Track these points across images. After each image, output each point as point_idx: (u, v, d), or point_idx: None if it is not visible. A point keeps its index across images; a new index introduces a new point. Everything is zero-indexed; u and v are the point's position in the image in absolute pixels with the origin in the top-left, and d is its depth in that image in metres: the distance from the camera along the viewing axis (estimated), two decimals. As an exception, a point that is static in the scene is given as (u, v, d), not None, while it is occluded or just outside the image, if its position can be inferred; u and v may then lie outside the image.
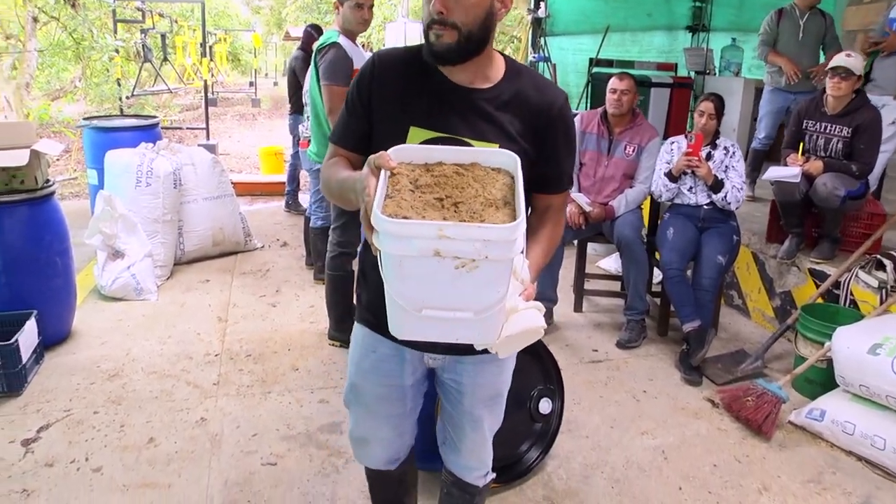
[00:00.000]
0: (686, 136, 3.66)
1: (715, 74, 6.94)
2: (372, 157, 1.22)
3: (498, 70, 1.47)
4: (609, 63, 6.78)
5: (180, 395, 3.09)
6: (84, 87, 10.64)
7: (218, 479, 2.51)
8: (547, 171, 1.50)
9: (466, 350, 1.33)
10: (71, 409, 2.94)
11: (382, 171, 1.21)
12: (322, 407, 3.02)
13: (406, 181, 1.23)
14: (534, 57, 7.59)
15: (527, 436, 2.57)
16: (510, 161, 1.28)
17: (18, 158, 3.14)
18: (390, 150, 1.26)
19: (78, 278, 4.48)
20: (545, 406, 2.55)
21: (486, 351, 1.29)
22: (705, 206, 3.61)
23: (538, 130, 1.46)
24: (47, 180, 3.43)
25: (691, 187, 3.63)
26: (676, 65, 7.08)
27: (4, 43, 9.50)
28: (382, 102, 1.48)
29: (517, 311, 1.25)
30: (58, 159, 7.90)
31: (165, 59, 10.30)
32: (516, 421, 2.50)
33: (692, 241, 3.58)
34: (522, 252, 1.18)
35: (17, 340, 3.02)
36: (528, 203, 1.50)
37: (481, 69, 1.44)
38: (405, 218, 1.13)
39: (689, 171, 3.57)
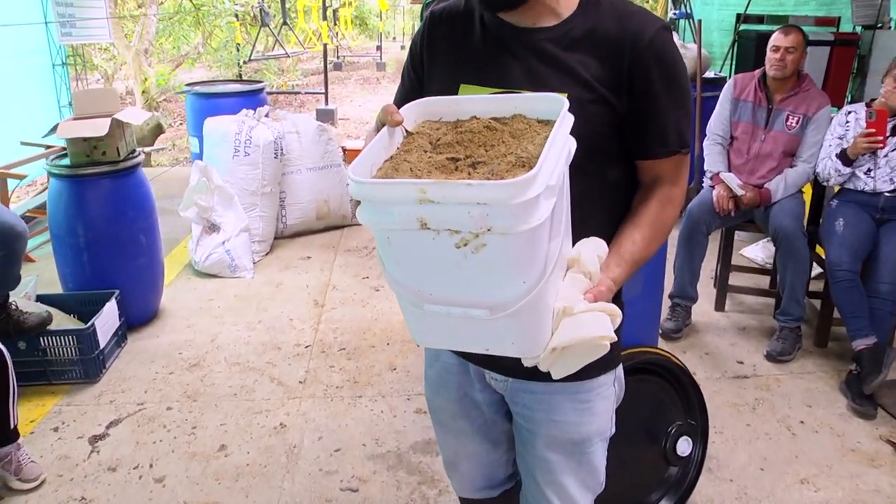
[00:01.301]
0: (867, 108, 2.95)
1: (891, 27, 5.93)
2: (382, 109, 1.03)
3: (570, 3, 1.16)
4: (759, 19, 5.95)
5: (261, 393, 2.80)
6: (204, 54, 10.75)
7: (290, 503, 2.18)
8: (645, 128, 1.15)
9: (532, 373, 1.04)
10: (144, 403, 2.71)
11: (383, 129, 1.00)
12: (418, 419, 2.63)
13: (425, 141, 0.99)
14: (674, 13, 6.81)
15: (658, 482, 2.08)
16: (558, 105, 0.96)
17: (98, 128, 2.90)
18: (408, 105, 1.05)
19: (174, 252, 4.36)
20: (684, 446, 2.04)
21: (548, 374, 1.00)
22: (887, 194, 2.91)
23: (625, 72, 1.11)
24: (133, 151, 3.20)
25: (870, 170, 2.93)
26: (839, 19, 6.11)
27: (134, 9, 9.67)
28: (433, 63, 1.26)
29: (572, 315, 0.94)
30: (171, 125, 7.95)
31: (284, 23, 10.17)
32: (646, 462, 2.03)
33: (868, 236, 2.90)
34: (566, 225, 0.97)
35: (93, 325, 2.81)
36: (629, 172, 1.21)
37: (547, 4, 1.15)
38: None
39: (867, 152, 2.87)
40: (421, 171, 0.88)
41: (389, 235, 0.87)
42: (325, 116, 9.38)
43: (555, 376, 0.98)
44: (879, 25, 5.91)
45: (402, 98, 1.30)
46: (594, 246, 1.02)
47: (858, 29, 6.06)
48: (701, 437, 2.11)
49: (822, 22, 6.11)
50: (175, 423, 2.59)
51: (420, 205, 0.79)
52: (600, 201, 1.15)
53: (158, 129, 7.27)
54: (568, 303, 0.94)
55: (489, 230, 0.79)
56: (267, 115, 4.53)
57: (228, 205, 4.08)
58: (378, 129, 1.01)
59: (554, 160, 0.81)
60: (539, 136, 0.94)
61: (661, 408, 2.03)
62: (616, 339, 0.95)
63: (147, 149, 6.38)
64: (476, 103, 1.03)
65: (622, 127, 1.13)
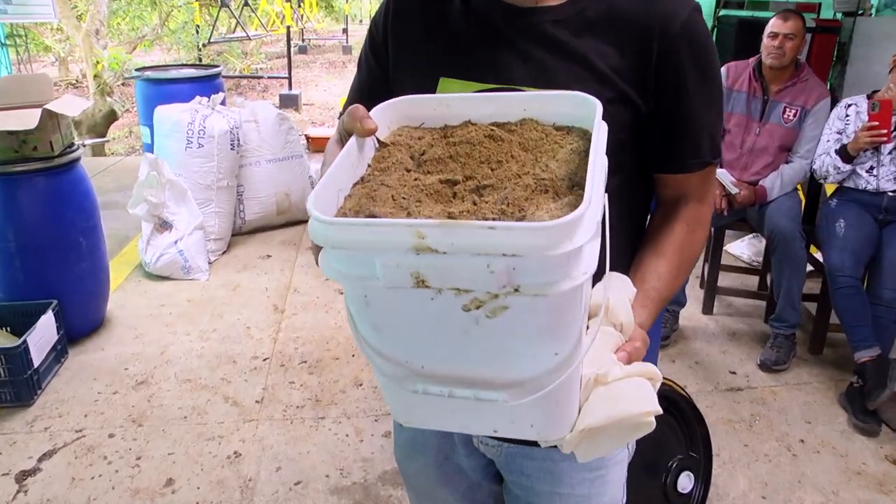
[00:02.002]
0: (869, 101, 2.75)
1: (871, 15, 5.79)
2: (347, 113, 0.77)
3: None
4: (739, 4, 5.77)
5: (214, 415, 2.54)
6: (163, 35, 10.30)
7: (242, 551, 1.93)
8: (674, 134, 0.93)
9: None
10: (84, 430, 2.43)
11: (352, 140, 0.74)
12: (386, 444, 2.39)
13: (404, 155, 0.76)
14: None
15: (656, 523, 1.87)
16: (586, 108, 0.74)
17: (27, 120, 2.58)
18: (380, 107, 0.80)
19: (125, 251, 4.05)
20: (685, 482, 1.84)
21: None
22: (891, 194, 2.73)
23: (652, 64, 0.89)
24: (70, 145, 2.89)
25: (872, 168, 2.74)
26: (820, 5, 5.96)
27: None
28: (400, 49, 1.01)
29: (607, 383, 0.73)
30: (128, 110, 7.55)
31: (246, 4, 9.77)
32: (644, 500, 1.81)
33: (870, 238, 2.72)
34: (604, 274, 0.75)
35: (25, 342, 2.51)
36: (645, 189, 1.01)
37: None
38: (369, 216, 0.63)
39: (869, 148, 2.68)
40: (407, 199, 0.65)
41: (367, 293, 0.64)
42: (289, 102, 9.05)
43: (581, 459, 0.77)
44: (860, 12, 5.77)
45: (361, 92, 1.07)
46: (621, 286, 0.81)
47: (839, 16, 5.92)
48: (703, 472, 1.90)
49: (802, 8, 5.92)
50: (117, 453, 2.32)
51: (417, 255, 0.56)
52: (619, 226, 0.92)
53: (112, 116, 6.89)
54: (600, 368, 0.73)
55: (516, 290, 0.56)
56: (223, 103, 4.21)
57: (181, 200, 3.78)
58: (342, 141, 0.75)
59: (600, 190, 0.59)
60: (562, 150, 0.71)
61: (661, 441, 1.82)
62: (661, 411, 0.72)
63: (88, 142, 6.00)
64: (470, 104, 0.80)
65: (645, 132, 0.91)
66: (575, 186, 0.65)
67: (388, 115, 0.79)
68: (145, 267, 3.72)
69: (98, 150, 6.60)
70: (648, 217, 1.04)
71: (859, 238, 2.70)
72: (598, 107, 0.71)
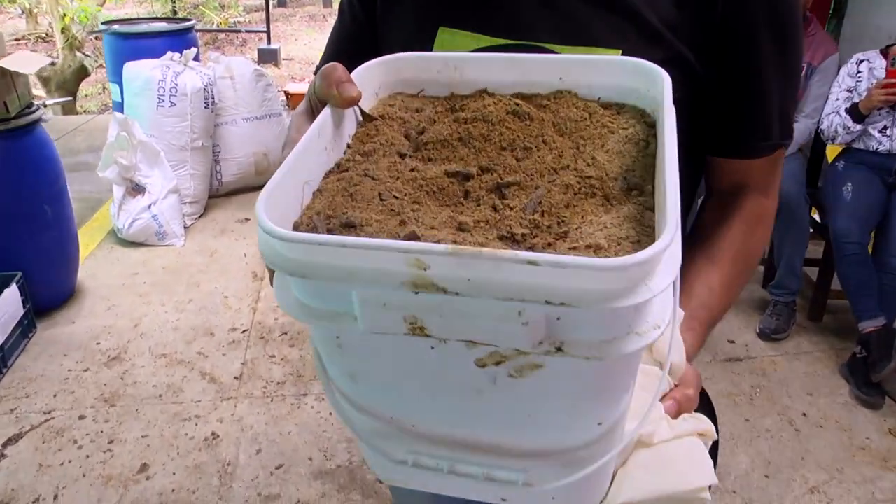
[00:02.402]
0: (886, 56, 2.60)
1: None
2: (320, 74, 0.58)
3: None
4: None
5: (191, 393, 2.41)
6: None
7: (221, 543, 1.82)
8: (740, 109, 0.77)
9: None
10: (53, 411, 2.30)
11: (325, 112, 0.55)
12: (369, 422, 2.28)
13: (396, 133, 0.58)
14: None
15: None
16: (647, 81, 0.58)
17: (-23, 80, 2.38)
18: (365, 67, 0.62)
19: (98, 216, 3.88)
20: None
21: None
22: (901, 156, 2.60)
23: (717, 20, 0.72)
24: (28, 105, 2.69)
25: (886, 128, 2.61)
26: (818, -46, 5.75)
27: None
28: None
29: (651, 446, 0.57)
30: (101, 66, 7.23)
31: (220, -50, 9.36)
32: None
33: (878, 203, 2.60)
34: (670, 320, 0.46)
35: (-15, 318, 2.36)
36: (693, 173, 0.84)
37: None
38: (346, 227, 0.46)
39: (884, 106, 2.54)
40: (400, 198, 0.49)
41: (341, 335, 0.48)
42: (268, 56, 8.75)
43: None
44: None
45: (342, 46, 0.90)
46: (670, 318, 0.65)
47: (837, -36, 5.71)
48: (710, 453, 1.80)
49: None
50: (88, 436, 2.20)
51: (414, 293, 0.40)
52: None
53: (83, 72, 6.59)
54: (642, 423, 0.55)
55: (558, 349, 0.41)
56: (196, 59, 3.99)
57: (154, 162, 3.59)
58: (313, 112, 0.58)
59: (676, 203, 0.42)
60: (613, 137, 0.55)
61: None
62: (717, 482, 0.59)
63: (50, 102, 5.73)
64: (487, 66, 0.62)
65: (701, 104, 0.75)
66: (633, 190, 0.50)
67: (377, 77, 0.62)
68: (118, 233, 3.55)
69: (69, 109, 6.33)
70: (696, 209, 0.88)
71: (867, 203, 2.58)
72: (666, 83, 0.53)
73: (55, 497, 1.95)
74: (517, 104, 0.57)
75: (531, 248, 0.45)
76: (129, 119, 3.50)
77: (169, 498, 1.96)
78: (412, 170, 0.52)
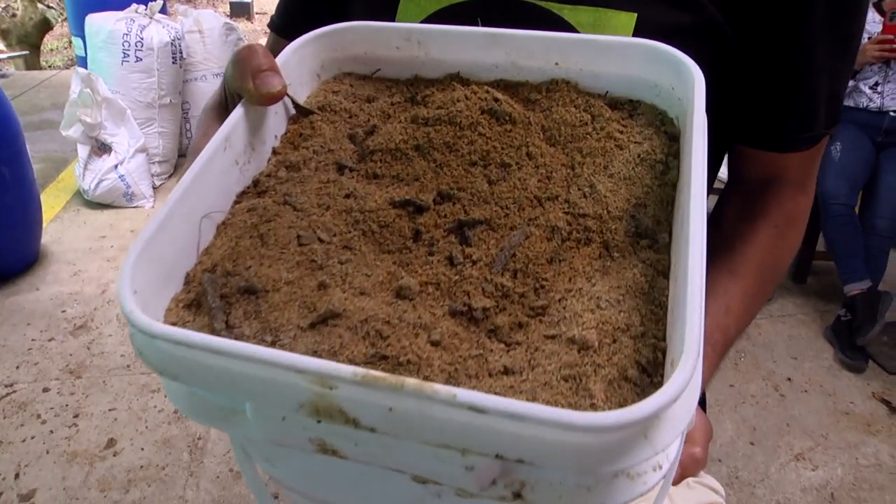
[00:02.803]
0: (881, 9, 2.51)
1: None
2: (233, 59, 0.46)
3: None
4: None
5: (161, 362, 2.32)
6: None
7: (192, 521, 1.76)
8: (774, 90, 0.63)
9: None
10: (15, 384, 2.21)
11: (237, 111, 0.44)
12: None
13: (338, 133, 0.47)
14: None
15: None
16: (676, 75, 0.44)
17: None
18: (300, 42, 0.49)
19: (63, 176, 3.73)
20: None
21: None
22: (892, 114, 2.53)
23: None
24: (-20, 62, 2.52)
25: (877, 84, 2.53)
26: None
27: None
28: None
29: None
30: (63, 21, 6.94)
31: None
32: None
33: (866, 163, 2.54)
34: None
35: (-59, 288, 2.25)
36: (714, 160, 0.71)
37: None
38: (246, 294, 0.37)
39: (877, 62, 2.46)
40: (327, 242, 0.39)
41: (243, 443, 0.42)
42: (241, 10, 8.47)
43: None
44: None
45: (295, 5, 0.76)
46: None
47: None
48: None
49: None
50: (53, 410, 2.11)
51: (316, 421, 0.32)
52: None
53: (45, 25, 6.31)
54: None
55: (516, 494, 0.32)
56: (163, 11, 3.80)
57: (120, 121, 3.44)
58: (227, 108, 0.47)
59: (700, 299, 0.32)
60: (621, 154, 0.44)
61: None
62: None
63: (3, 56, 5.49)
64: (460, 43, 0.50)
65: (731, 81, 0.62)
66: (643, 238, 0.39)
67: (319, 53, 0.50)
68: (84, 194, 3.42)
69: (33, 63, 6.09)
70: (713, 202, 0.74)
71: (856, 162, 2.52)
72: (698, 82, 0.41)
73: (16, 476, 1.87)
74: (496, 100, 0.46)
75: (493, 333, 0.36)
76: (93, 75, 3.33)
77: (137, 474, 1.89)
78: (348, 195, 0.41)
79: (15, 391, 2.18)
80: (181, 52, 3.70)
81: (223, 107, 0.48)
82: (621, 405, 0.30)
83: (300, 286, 0.37)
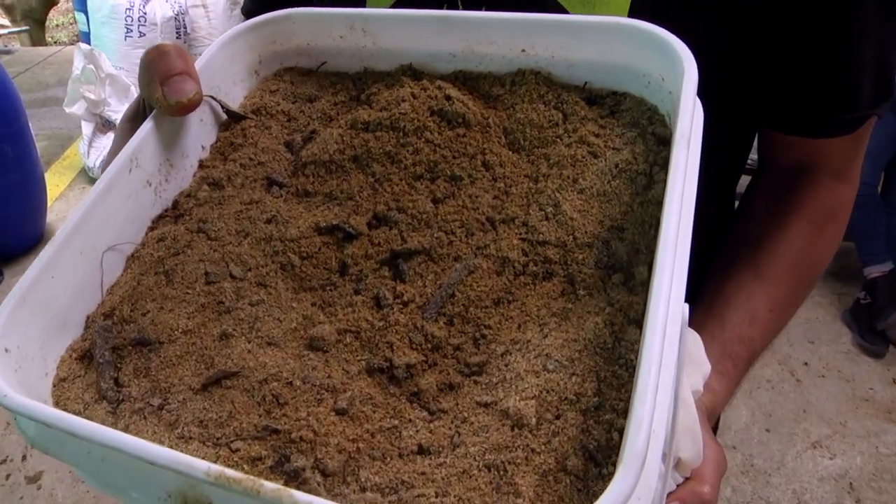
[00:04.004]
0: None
1: None
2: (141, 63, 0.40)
3: None
4: None
5: (166, 344, 2.30)
6: None
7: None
8: (811, 67, 0.54)
9: None
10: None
11: (147, 124, 0.39)
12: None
13: (272, 141, 0.40)
14: None
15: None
16: (666, 61, 0.35)
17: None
18: (234, 32, 0.43)
19: (68, 153, 3.70)
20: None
21: None
22: (916, 89, 2.44)
23: None
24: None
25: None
26: None
27: None
28: None
29: None
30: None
31: None
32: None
33: (890, 140, 2.46)
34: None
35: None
36: (741, 147, 0.62)
37: None
38: (139, 346, 0.34)
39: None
40: (241, 277, 0.35)
41: None
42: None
43: None
44: None
45: None
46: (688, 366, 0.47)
47: None
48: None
49: None
50: (57, 392, 2.09)
51: None
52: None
53: (50, 1, 6.24)
54: None
55: None
56: (166, -15, 3.73)
57: (124, 97, 3.39)
58: (144, 116, 0.41)
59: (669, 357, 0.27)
60: (596, 164, 0.37)
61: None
62: None
63: (3, 31, 5.43)
64: (410, 29, 0.43)
65: (757, 58, 0.54)
66: (615, 272, 0.33)
67: (257, 45, 0.44)
68: (89, 172, 3.39)
69: (38, 39, 6.02)
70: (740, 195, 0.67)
71: (879, 140, 2.43)
72: (688, 63, 0.34)
73: (23, 458, 1.86)
74: (447, 99, 0.39)
75: (416, 397, 0.31)
76: (96, 51, 3.29)
77: (143, 458, 1.87)
78: (269, 220, 0.36)
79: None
80: (185, 27, 3.63)
81: (140, 118, 0.42)
82: None
83: (200, 335, 0.33)
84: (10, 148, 2.57)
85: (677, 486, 0.44)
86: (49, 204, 2.95)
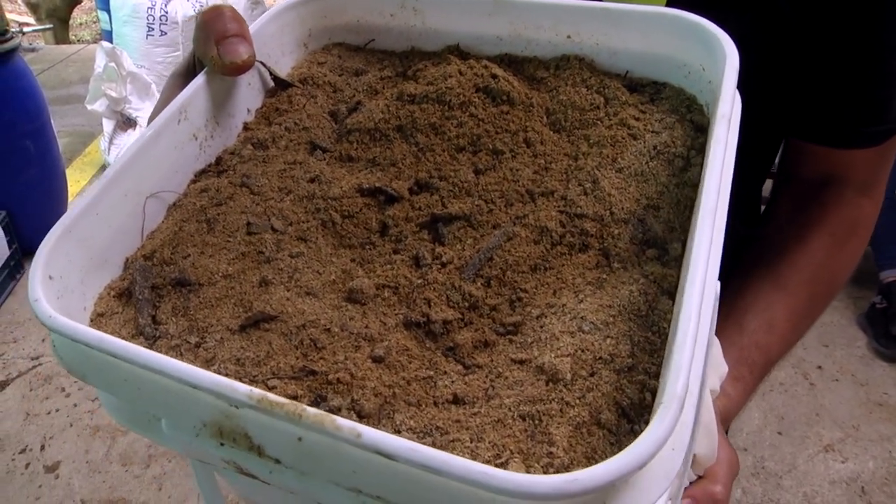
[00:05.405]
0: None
1: None
2: (197, 22, 0.41)
3: None
4: None
5: (183, 339, 2.33)
6: None
7: (212, 498, 1.76)
8: (840, 75, 0.54)
9: None
10: (41, 357, 2.23)
11: (198, 79, 0.39)
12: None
13: (317, 109, 0.41)
14: None
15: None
16: (707, 52, 0.36)
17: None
18: (282, 6, 0.44)
19: (89, 150, 3.74)
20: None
21: None
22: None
23: None
24: (4, 32, 2.52)
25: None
26: None
27: None
28: None
29: None
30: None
31: None
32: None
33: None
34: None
35: (-33, 261, 2.27)
36: (766, 155, 0.62)
37: None
38: (178, 286, 0.33)
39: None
40: (282, 230, 0.36)
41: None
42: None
43: None
44: None
45: None
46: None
47: None
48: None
49: None
50: (77, 384, 2.12)
51: (220, 444, 0.29)
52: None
53: (73, -2, 6.32)
54: None
55: None
56: (188, -16, 3.77)
57: (145, 94, 3.44)
58: (190, 78, 0.42)
59: (705, 335, 0.28)
60: (635, 145, 0.38)
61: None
62: None
63: (28, 30, 5.50)
64: (460, 10, 0.44)
65: (785, 63, 0.54)
66: (650, 247, 0.33)
67: (306, 20, 0.46)
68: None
69: (62, 37, 6.10)
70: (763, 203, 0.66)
71: (896, 145, 2.42)
72: (730, 51, 0.35)
73: (42, 447, 1.89)
74: (493, 77, 0.40)
75: (451, 352, 0.31)
76: (117, 49, 3.33)
77: (158, 450, 1.89)
78: (313, 179, 0.37)
79: (41, 364, 2.20)
80: (206, 26, 3.68)
81: (190, 74, 0.43)
82: (588, 457, 0.26)
83: (240, 281, 0.33)
84: (32, 144, 2.61)
85: (690, 483, 0.45)
86: (70, 199, 2.99)
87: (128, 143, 3.31)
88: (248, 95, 0.43)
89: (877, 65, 0.53)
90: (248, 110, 0.43)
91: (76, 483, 1.79)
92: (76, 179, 3.36)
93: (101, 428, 1.96)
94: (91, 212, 0.34)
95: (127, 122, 3.42)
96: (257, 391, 0.25)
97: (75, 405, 2.04)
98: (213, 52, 0.40)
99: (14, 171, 2.57)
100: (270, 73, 0.44)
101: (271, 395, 0.25)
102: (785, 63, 0.54)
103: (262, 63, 0.43)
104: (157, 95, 3.32)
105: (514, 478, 0.22)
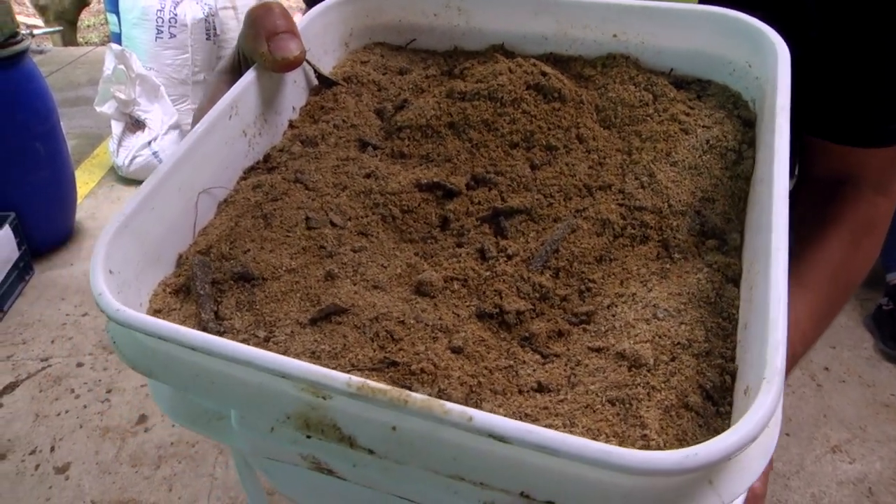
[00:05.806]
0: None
1: None
2: (247, 18, 0.41)
3: None
4: None
5: (191, 340, 2.34)
6: None
7: (223, 500, 1.77)
8: (858, 72, 0.54)
9: None
10: (50, 358, 2.24)
11: (248, 75, 0.39)
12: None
13: (364, 107, 0.41)
14: None
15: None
16: (755, 49, 0.37)
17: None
18: (325, 5, 0.44)
19: (97, 152, 3.77)
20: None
21: None
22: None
23: None
24: (14, 34, 2.54)
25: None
26: None
27: None
28: None
29: None
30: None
31: None
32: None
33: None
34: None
35: (-22, 262, 2.29)
36: (796, 168, 0.62)
37: None
38: (240, 281, 0.32)
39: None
40: (342, 225, 0.35)
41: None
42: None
43: None
44: None
45: None
46: None
47: None
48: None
49: None
50: (86, 385, 2.14)
51: (306, 436, 0.29)
52: None
53: (82, 2, 6.35)
54: None
55: None
56: (196, -13, 3.79)
57: (154, 97, 3.45)
58: (240, 72, 0.43)
59: (783, 314, 0.28)
60: (687, 139, 0.39)
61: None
62: None
63: (38, 32, 5.53)
64: (504, 10, 0.45)
65: (805, 61, 0.52)
66: (709, 238, 0.34)
67: (348, 20, 0.46)
68: (118, 171, 3.45)
69: (70, 39, 6.14)
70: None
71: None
72: (782, 58, 0.36)
73: (52, 449, 1.91)
74: (543, 74, 0.40)
75: (527, 342, 0.31)
76: (127, 51, 3.35)
77: (168, 451, 1.91)
78: (369, 175, 0.37)
79: (50, 365, 2.22)
80: (215, 29, 3.69)
81: (236, 71, 0.43)
82: (679, 439, 0.27)
83: (304, 275, 0.33)
84: (42, 145, 2.63)
85: None
86: (79, 201, 3.01)
87: (136, 144, 3.33)
88: (294, 93, 0.43)
89: (895, 63, 0.54)
90: (293, 108, 0.43)
91: (86, 484, 1.81)
92: (84, 181, 3.38)
93: (111, 429, 1.98)
94: (147, 206, 0.33)
95: (136, 124, 3.43)
96: (356, 379, 0.25)
97: (85, 406, 2.05)
98: (263, 48, 0.40)
99: (24, 172, 2.59)
100: (315, 72, 0.44)
101: (372, 382, 0.25)
102: (808, 60, 0.54)
103: (307, 61, 0.44)
104: (166, 98, 3.32)
105: (636, 455, 0.22)
